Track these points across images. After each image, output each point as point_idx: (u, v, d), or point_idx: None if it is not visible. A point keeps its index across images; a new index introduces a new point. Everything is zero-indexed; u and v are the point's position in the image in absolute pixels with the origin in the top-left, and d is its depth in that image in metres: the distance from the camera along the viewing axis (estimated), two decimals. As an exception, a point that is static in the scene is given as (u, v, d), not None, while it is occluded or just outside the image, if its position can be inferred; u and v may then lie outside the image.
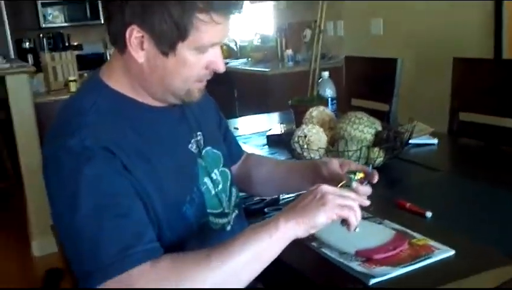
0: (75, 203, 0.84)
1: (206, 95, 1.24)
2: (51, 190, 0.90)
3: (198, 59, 0.93)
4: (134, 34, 0.90)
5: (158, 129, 0.99)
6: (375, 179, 1.01)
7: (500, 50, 2.59)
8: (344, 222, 0.89)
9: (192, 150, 1.05)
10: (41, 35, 5.71)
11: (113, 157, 0.88)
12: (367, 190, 0.99)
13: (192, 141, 1.05)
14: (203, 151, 1.08)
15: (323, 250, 1.05)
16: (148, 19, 0.88)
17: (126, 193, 0.88)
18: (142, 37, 0.90)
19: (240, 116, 3.49)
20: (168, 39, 0.90)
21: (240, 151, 1.32)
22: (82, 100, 0.96)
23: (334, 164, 1.08)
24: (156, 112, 1.01)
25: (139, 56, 0.92)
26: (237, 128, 2.34)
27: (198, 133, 1.08)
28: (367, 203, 0.94)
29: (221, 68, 0.97)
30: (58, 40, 5.71)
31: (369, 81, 2.52)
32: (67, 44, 5.82)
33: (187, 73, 0.94)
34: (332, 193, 0.89)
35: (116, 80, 0.98)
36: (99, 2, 5.92)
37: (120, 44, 0.93)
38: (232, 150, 1.26)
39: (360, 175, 0.98)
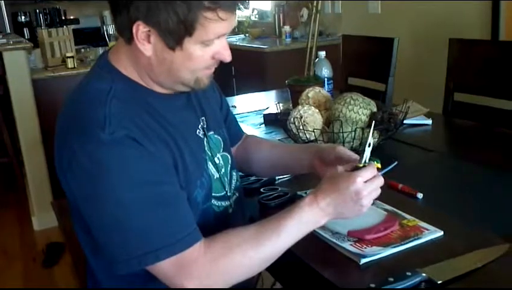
0: (118, 196, 0.87)
1: None
2: (82, 184, 0.90)
3: (204, 52, 0.94)
4: (140, 29, 0.90)
5: (169, 116, 1.00)
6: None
7: (497, 31, 2.59)
8: None
9: (200, 135, 1.07)
10: (37, 10, 5.65)
11: (142, 148, 0.90)
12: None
13: (199, 126, 1.08)
14: (207, 136, 1.09)
15: (316, 230, 1.08)
16: (154, 17, 0.88)
17: (162, 180, 0.92)
18: (149, 31, 0.91)
19: (238, 94, 3.50)
20: (175, 35, 0.90)
21: (240, 132, 1.35)
22: (97, 86, 0.96)
23: (342, 149, 1.08)
24: (164, 99, 1.01)
25: (146, 49, 0.93)
26: (235, 107, 2.36)
27: (202, 118, 1.10)
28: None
29: (227, 58, 0.98)
30: (54, 16, 5.65)
31: (366, 61, 2.53)
32: (63, 18, 5.76)
33: (194, 66, 0.95)
34: (366, 190, 0.94)
35: (125, 67, 0.99)
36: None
37: (127, 36, 0.94)
38: (232, 131, 1.28)
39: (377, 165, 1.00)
